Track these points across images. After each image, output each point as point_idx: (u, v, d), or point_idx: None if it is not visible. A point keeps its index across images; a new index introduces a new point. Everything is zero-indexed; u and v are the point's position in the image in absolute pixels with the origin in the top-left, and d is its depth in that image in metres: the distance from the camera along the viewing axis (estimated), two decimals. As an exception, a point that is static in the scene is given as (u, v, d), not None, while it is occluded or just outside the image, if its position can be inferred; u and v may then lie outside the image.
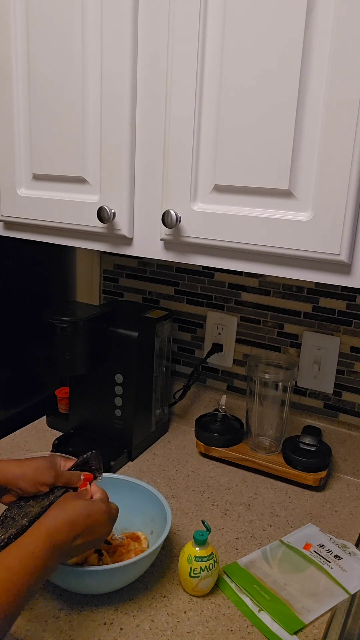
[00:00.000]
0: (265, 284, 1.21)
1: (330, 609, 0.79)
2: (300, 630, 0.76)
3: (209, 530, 0.81)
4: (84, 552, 0.74)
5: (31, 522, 0.72)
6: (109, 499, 0.79)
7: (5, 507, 0.79)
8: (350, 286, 0.73)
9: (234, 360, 1.29)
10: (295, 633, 0.75)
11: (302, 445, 1.11)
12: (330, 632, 0.76)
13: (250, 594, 0.82)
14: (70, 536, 0.68)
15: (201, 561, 0.79)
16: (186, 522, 0.99)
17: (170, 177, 0.82)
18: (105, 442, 1.18)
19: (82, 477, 0.79)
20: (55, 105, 0.91)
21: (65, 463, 0.82)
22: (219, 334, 1.29)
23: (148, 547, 0.87)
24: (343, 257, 0.71)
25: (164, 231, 0.84)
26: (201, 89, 0.77)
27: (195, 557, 0.79)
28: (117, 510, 0.78)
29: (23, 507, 0.76)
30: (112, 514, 0.76)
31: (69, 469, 0.81)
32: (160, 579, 0.85)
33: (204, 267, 1.28)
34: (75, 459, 0.83)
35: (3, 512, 0.76)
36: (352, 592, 0.82)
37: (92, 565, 0.79)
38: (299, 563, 0.88)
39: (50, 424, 1.32)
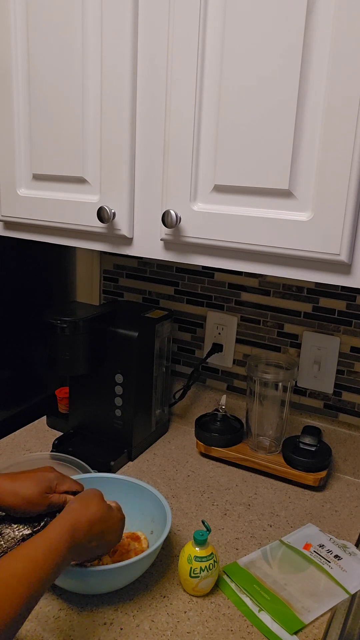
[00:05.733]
0: (265, 284, 1.21)
1: (330, 609, 0.79)
2: (300, 630, 0.76)
3: (209, 530, 0.81)
4: (92, 557, 0.75)
5: (9, 549, 0.73)
6: (109, 499, 0.79)
7: None
8: (350, 286, 0.73)
9: (234, 360, 1.29)
10: (295, 633, 0.75)
11: (302, 445, 1.11)
12: (330, 632, 0.76)
13: (250, 594, 0.82)
14: (88, 537, 0.70)
15: (201, 561, 0.79)
16: (186, 522, 0.99)
17: (170, 177, 0.82)
18: (105, 442, 1.18)
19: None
20: (55, 105, 0.91)
21: (61, 482, 0.81)
22: (219, 334, 1.29)
23: (148, 547, 0.87)
24: (343, 257, 0.71)
25: (164, 231, 0.84)
26: (201, 89, 0.77)
27: (195, 557, 0.79)
28: (124, 519, 0.80)
29: (6, 529, 0.76)
30: (123, 524, 0.78)
31: (63, 492, 0.81)
32: (160, 579, 0.85)
33: (204, 267, 1.28)
34: (70, 479, 0.83)
35: None
36: (352, 592, 0.82)
37: (92, 565, 0.79)
38: (299, 563, 0.88)
39: (50, 424, 1.32)
